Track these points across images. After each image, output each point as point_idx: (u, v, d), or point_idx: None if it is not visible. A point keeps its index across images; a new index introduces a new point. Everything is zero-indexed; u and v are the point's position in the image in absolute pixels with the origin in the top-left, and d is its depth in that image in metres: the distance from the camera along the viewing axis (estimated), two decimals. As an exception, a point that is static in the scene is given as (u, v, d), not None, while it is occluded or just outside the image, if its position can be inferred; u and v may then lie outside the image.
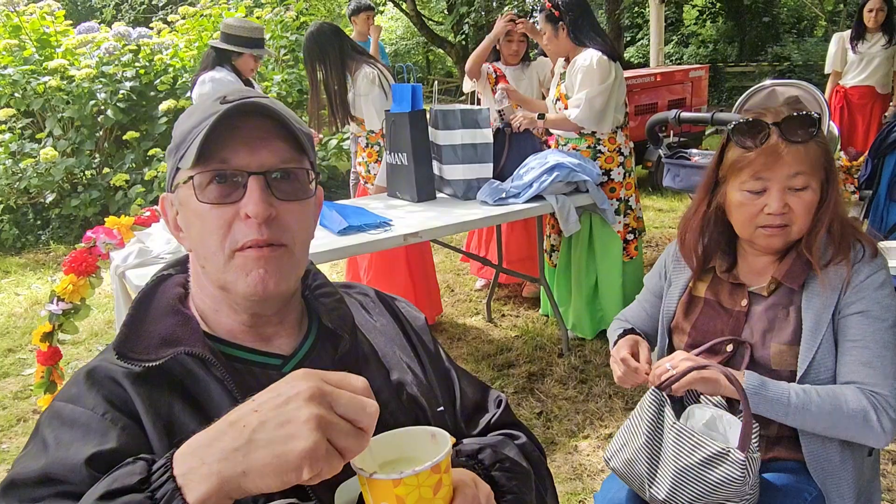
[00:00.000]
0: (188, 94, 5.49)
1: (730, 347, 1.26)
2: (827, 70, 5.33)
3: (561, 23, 2.93)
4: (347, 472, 0.60)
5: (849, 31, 5.11)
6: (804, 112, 1.16)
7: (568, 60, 3.02)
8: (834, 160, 1.24)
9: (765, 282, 1.26)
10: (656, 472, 1.19)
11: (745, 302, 1.27)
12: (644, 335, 1.45)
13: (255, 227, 0.71)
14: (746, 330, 1.26)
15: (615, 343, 1.39)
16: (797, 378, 1.18)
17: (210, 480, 0.54)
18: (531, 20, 3.16)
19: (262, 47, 3.37)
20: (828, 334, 1.17)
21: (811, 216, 1.19)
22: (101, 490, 0.57)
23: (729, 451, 1.11)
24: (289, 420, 0.53)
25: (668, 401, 1.23)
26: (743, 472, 1.10)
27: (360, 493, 0.70)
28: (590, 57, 2.86)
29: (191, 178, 0.71)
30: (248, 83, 3.37)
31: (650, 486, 1.19)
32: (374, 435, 0.58)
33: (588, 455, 2.38)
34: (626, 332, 1.41)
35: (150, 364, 0.70)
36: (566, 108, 2.99)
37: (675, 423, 1.19)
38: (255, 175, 0.71)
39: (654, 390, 1.26)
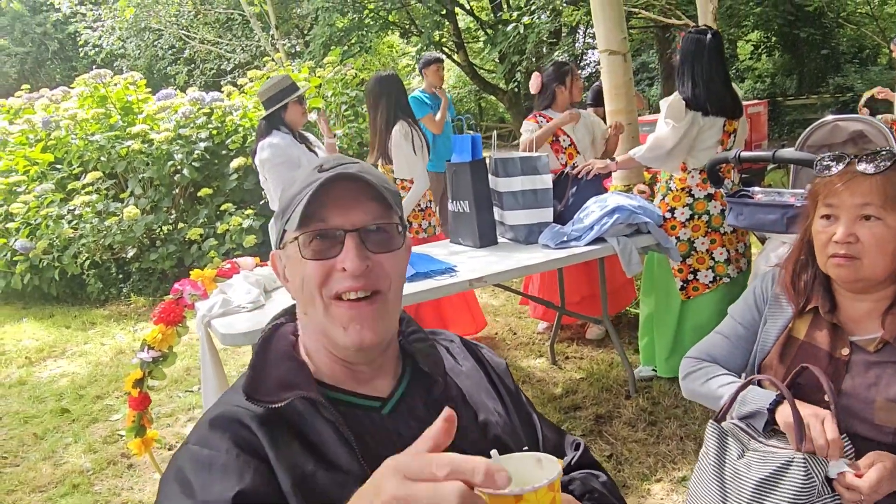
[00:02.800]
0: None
1: (827, 396, 1.20)
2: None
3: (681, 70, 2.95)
4: None
5: None
6: (884, 149, 1.19)
7: None
8: None
9: (868, 332, 1.24)
10: (727, 499, 1.20)
11: (846, 351, 1.25)
12: (734, 374, 1.41)
13: (351, 278, 0.80)
14: (847, 380, 1.23)
15: (770, 407, 1.23)
16: None
17: None
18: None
19: (294, 91, 3.33)
20: None
21: (886, 253, 1.17)
22: None
23: (794, 458, 1.12)
24: None
25: (729, 434, 1.25)
26: (808, 474, 1.09)
27: None
28: (671, 99, 2.91)
29: (296, 238, 0.81)
30: (302, 138, 3.41)
31: None
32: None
33: (661, 499, 2.34)
34: (778, 401, 1.24)
35: (274, 406, 0.78)
36: None
37: (743, 451, 1.20)
38: (351, 232, 0.80)
39: (712, 423, 1.28)
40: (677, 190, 3.05)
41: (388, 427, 0.83)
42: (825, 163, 1.24)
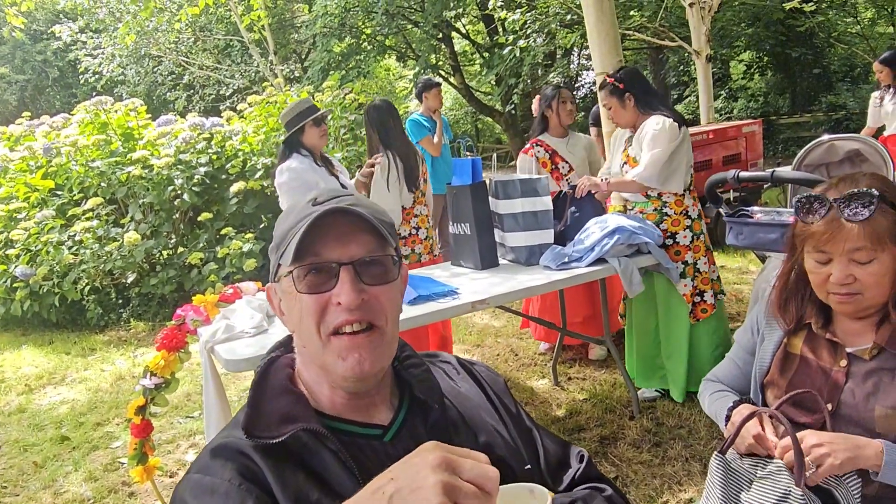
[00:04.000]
0: (256, 176, 5.87)
1: (830, 406, 1.25)
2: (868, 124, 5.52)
3: (627, 94, 3.04)
4: None
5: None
6: (864, 190, 1.17)
7: (635, 128, 3.11)
8: None
9: (864, 343, 1.26)
10: None
11: (844, 362, 1.27)
12: (738, 393, 1.46)
13: (346, 311, 0.81)
14: (847, 391, 1.25)
15: (727, 414, 1.36)
16: None
17: None
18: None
19: (311, 113, 3.31)
20: None
21: (885, 284, 1.20)
22: None
23: (790, 490, 1.12)
24: (419, 486, 0.60)
25: (733, 465, 1.25)
26: None
27: None
28: (661, 121, 2.96)
29: (290, 272, 0.82)
30: (325, 161, 3.42)
31: None
32: None
33: (669, 521, 2.32)
34: (739, 402, 1.38)
35: (274, 441, 0.78)
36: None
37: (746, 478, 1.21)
38: (346, 266, 0.81)
39: (717, 456, 1.28)
40: (676, 214, 3.07)
41: (391, 454, 0.83)
42: (806, 209, 1.23)
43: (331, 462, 0.79)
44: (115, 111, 6.32)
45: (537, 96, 3.84)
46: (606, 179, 3.18)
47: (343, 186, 3.25)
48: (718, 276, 3.19)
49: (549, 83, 3.51)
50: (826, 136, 2.56)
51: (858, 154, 2.47)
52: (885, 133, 5.23)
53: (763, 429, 1.26)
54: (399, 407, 0.90)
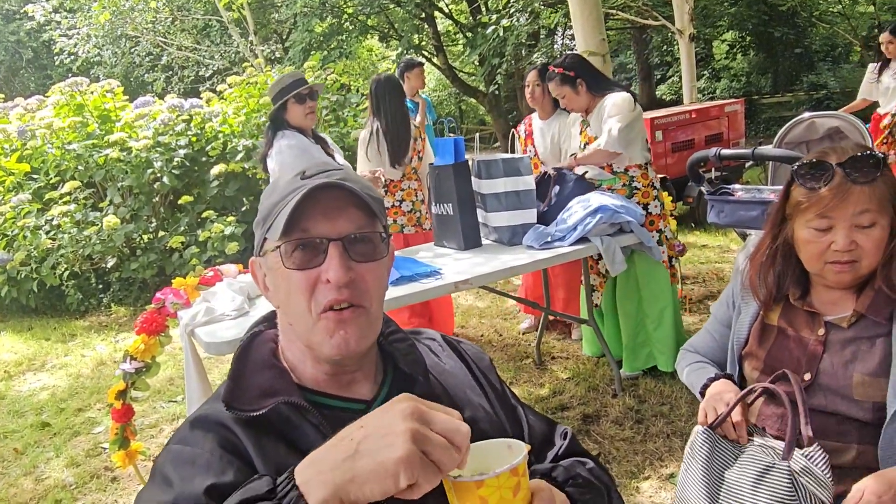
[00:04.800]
0: (237, 159, 5.79)
1: (808, 376, 1.25)
2: (859, 96, 5.37)
3: (579, 80, 3.13)
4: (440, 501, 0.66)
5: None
6: (869, 152, 1.17)
7: (587, 112, 3.21)
8: None
9: (842, 312, 1.26)
10: None
11: (821, 331, 1.27)
12: (716, 365, 1.48)
13: (335, 289, 0.79)
14: (825, 360, 1.25)
15: (704, 384, 1.38)
16: (890, 414, 1.16)
17: (326, 487, 0.61)
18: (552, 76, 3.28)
19: (293, 89, 3.06)
20: None
21: (881, 251, 1.19)
22: (236, 500, 0.65)
23: (774, 464, 1.13)
24: (388, 432, 0.61)
25: (721, 438, 1.26)
26: (790, 484, 1.10)
27: None
28: (618, 95, 3.09)
29: (278, 247, 0.80)
30: (318, 140, 3.26)
31: None
32: None
33: (650, 496, 2.35)
34: (714, 378, 1.38)
35: (255, 414, 0.78)
36: None
37: (731, 453, 1.22)
38: (335, 241, 0.80)
39: (704, 429, 1.29)
40: (644, 186, 3.19)
41: None
42: (810, 175, 1.21)
43: (312, 435, 0.79)
44: (91, 92, 6.19)
45: None
46: (573, 155, 3.23)
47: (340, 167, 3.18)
48: (672, 236, 3.40)
49: (532, 64, 3.49)
50: (807, 114, 2.57)
51: (838, 131, 2.48)
52: (880, 110, 5.07)
53: (744, 418, 1.28)
54: (383, 382, 0.89)
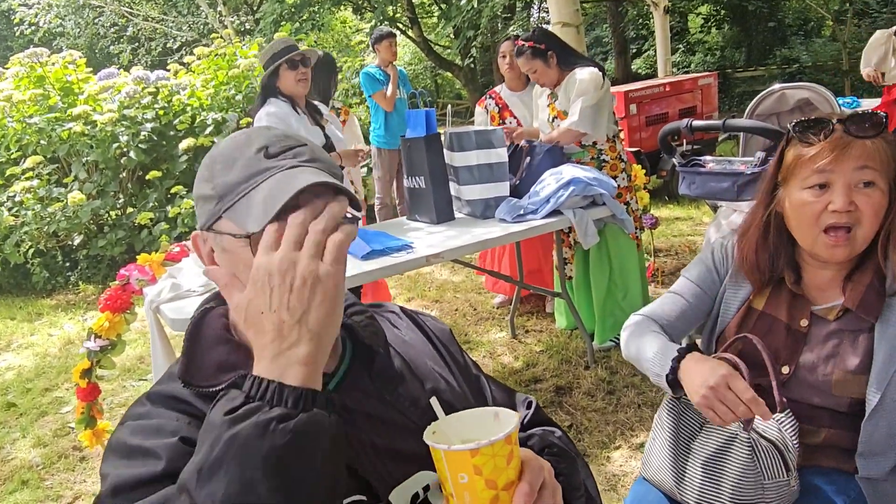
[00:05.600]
0: (206, 132, 5.66)
1: (787, 370, 1.21)
2: (871, 66, 4.94)
3: (550, 52, 3.12)
4: (406, 473, 0.65)
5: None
6: (871, 111, 1.13)
7: (556, 85, 3.21)
8: None
9: (830, 300, 1.21)
10: (684, 477, 1.21)
11: (805, 322, 1.22)
12: (671, 337, 1.31)
13: None
14: (806, 354, 1.21)
15: (674, 365, 1.17)
16: (869, 410, 1.13)
17: (300, 365, 0.63)
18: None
19: (284, 55, 2.97)
20: None
21: (876, 222, 1.12)
22: (220, 412, 0.62)
23: (737, 435, 1.14)
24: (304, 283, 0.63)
25: (687, 407, 1.25)
26: (750, 454, 1.11)
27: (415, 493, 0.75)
28: (587, 70, 3.08)
29: (249, 235, 0.73)
30: (311, 109, 3.14)
31: (680, 493, 1.21)
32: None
33: (621, 465, 2.38)
34: (686, 350, 1.19)
35: (213, 389, 0.74)
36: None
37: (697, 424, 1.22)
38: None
39: (669, 399, 1.28)
40: (612, 159, 3.22)
41: (335, 401, 0.81)
42: (807, 131, 1.14)
43: None
44: (53, 64, 5.98)
45: None
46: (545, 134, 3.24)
47: (327, 137, 3.08)
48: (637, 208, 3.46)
49: (508, 36, 3.45)
50: (777, 86, 2.57)
51: (808, 103, 2.49)
52: (888, 81, 4.87)
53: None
54: (342, 356, 0.87)
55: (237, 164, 0.77)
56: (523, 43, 3.13)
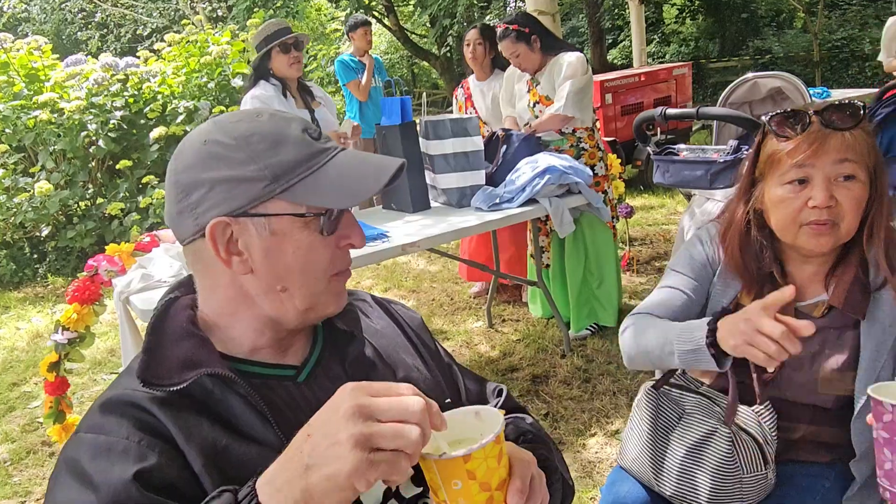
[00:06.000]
0: (178, 121, 5.55)
1: (771, 368, 1.13)
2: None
3: (533, 36, 3.11)
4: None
5: None
6: (848, 101, 1.10)
7: (537, 71, 3.19)
8: (881, 155, 1.12)
9: (813, 295, 1.19)
10: (662, 468, 1.21)
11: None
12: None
13: (349, 255, 0.81)
14: None
15: (712, 327, 1.08)
16: (858, 408, 1.12)
17: None
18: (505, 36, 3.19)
19: (282, 36, 3.00)
20: (888, 360, 1.11)
21: (858, 214, 1.10)
22: None
23: (717, 429, 1.14)
24: (334, 442, 0.57)
25: (665, 398, 1.25)
26: (730, 448, 1.11)
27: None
28: (573, 55, 3.08)
29: (307, 214, 0.75)
30: (303, 90, 3.13)
31: (658, 483, 1.22)
32: None
33: (597, 452, 2.40)
34: (720, 315, 1.10)
35: (175, 388, 0.72)
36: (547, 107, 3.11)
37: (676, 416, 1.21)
38: (346, 210, 0.78)
39: (649, 389, 1.28)
40: (591, 148, 3.22)
41: (306, 395, 0.80)
42: (783, 124, 1.11)
43: (239, 406, 0.74)
44: (17, 50, 5.81)
45: None
46: (528, 125, 3.21)
47: (315, 121, 3.04)
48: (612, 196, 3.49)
49: (474, 25, 3.42)
50: (750, 74, 2.59)
51: (780, 92, 2.51)
52: None
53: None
54: (314, 344, 0.85)
55: (287, 145, 0.75)
56: (507, 26, 3.10)
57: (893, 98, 2.37)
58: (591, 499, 2.15)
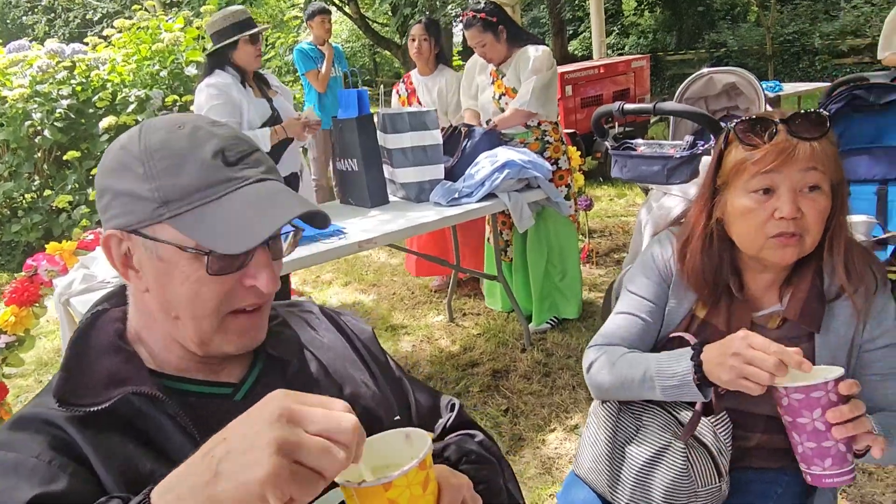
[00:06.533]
0: (129, 111, 5.36)
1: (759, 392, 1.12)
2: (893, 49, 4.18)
3: (500, 26, 3.07)
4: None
5: None
6: (813, 110, 1.08)
7: (503, 61, 3.16)
8: (842, 169, 1.11)
9: (768, 305, 1.17)
10: (617, 481, 1.19)
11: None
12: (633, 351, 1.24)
13: (257, 295, 0.72)
14: None
15: (696, 362, 1.06)
16: None
17: None
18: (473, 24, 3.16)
19: (251, 27, 2.89)
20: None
21: (822, 226, 1.08)
22: None
23: (672, 443, 1.13)
24: (252, 446, 0.51)
25: (625, 408, 1.23)
26: (684, 463, 1.11)
27: None
28: (539, 48, 3.07)
29: (201, 251, 0.67)
30: (259, 79, 3.01)
31: (612, 494, 1.20)
32: None
33: (556, 448, 2.41)
34: (700, 346, 1.08)
35: (97, 408, 0.67)
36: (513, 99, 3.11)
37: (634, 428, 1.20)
38: (262, 245, 0.70)
39: (607, 404, 1.25)
40: (555, 141, 3.23)
41: (242, 412, 0.75)
42: (749, 132, 1.08)
43: (168, 428, 0.70)
44: (-46, 35, 5.53)
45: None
46: (488, 121, 3.19)
47: (273, 110, 2.93)
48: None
49: (446, 15, 3.38)
50: (706, 69, 2.60)
51: (734, 87, 2.53)
52: None
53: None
54: (253, 363, 0.81)
55: (189, 167, 0.68)
56: (474, 14, 3.05)
57: (844, 93, 2.43)
58: (550, 496, 2.15)
